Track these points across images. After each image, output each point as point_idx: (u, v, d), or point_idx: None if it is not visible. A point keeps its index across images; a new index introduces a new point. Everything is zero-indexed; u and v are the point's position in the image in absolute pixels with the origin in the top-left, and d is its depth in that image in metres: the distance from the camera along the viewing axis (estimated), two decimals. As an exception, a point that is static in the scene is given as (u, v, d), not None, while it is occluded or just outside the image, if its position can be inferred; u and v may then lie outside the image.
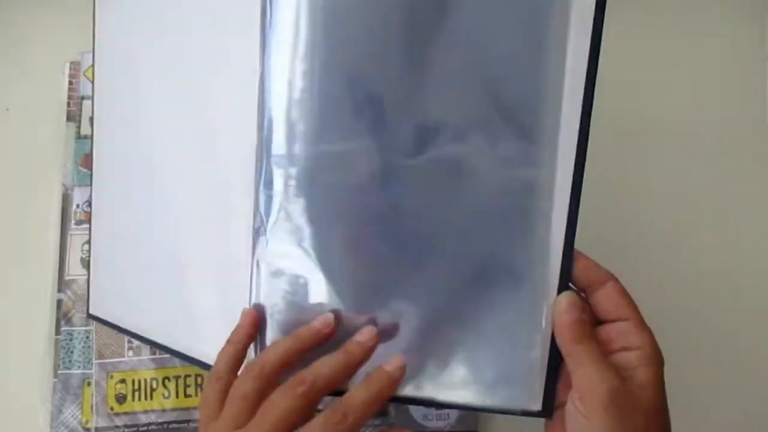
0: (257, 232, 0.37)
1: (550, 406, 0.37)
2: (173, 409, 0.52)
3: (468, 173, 0.35)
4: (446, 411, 0.51)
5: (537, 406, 0.37)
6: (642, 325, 0.36)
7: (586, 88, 0.34)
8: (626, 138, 0.56)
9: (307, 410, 0.34)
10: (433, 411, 0.51)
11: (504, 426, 0.52)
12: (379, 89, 0.35)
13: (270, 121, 0.36)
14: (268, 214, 0.37)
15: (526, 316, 0.37)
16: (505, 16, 0.34)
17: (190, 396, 0.52)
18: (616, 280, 0.37)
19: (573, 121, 0.35)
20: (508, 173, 0.35)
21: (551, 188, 0.35)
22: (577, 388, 0.34)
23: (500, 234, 0.36)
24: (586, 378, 0.34)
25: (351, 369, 0.35)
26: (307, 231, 0.36)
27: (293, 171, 0.36)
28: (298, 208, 0.36)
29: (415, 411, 0.51)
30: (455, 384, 0.37)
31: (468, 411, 0.38)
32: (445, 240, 0.36)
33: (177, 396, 0.52)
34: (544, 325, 0.37)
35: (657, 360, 0.35)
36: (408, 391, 0.37)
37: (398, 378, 0.35)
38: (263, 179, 0.37)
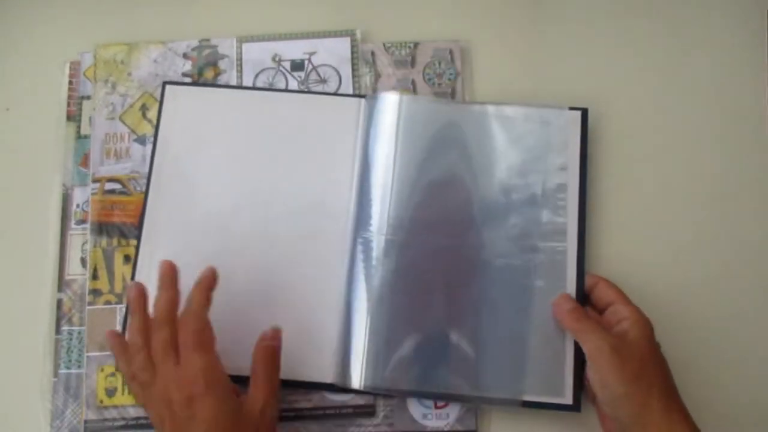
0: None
1: (579, 401, 0.49)
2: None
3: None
4: (446, 411, 0.51)
5: (569, 400, 0.49)
6: (627, 302, 0.47)
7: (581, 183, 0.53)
8: (626, 139, 0.57)
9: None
10: (432, 411, 0.51)
11: (503, 426, 0.52)
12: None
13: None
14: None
15: (555, 330, 0.50)
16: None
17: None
18: (606, 280, 0.49)
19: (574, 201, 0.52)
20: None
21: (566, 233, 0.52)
22: (588, 354, 0.46)
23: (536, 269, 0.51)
24: (591, 344, 0.45)
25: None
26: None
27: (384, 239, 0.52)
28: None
29: (415, 411, 0.52)
30: (505, 385, 0.49)
31: (509, 406, 0.50)
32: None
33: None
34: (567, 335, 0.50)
35: (643, 323, 0.46)
36: (465, 390, 0.50)
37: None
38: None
